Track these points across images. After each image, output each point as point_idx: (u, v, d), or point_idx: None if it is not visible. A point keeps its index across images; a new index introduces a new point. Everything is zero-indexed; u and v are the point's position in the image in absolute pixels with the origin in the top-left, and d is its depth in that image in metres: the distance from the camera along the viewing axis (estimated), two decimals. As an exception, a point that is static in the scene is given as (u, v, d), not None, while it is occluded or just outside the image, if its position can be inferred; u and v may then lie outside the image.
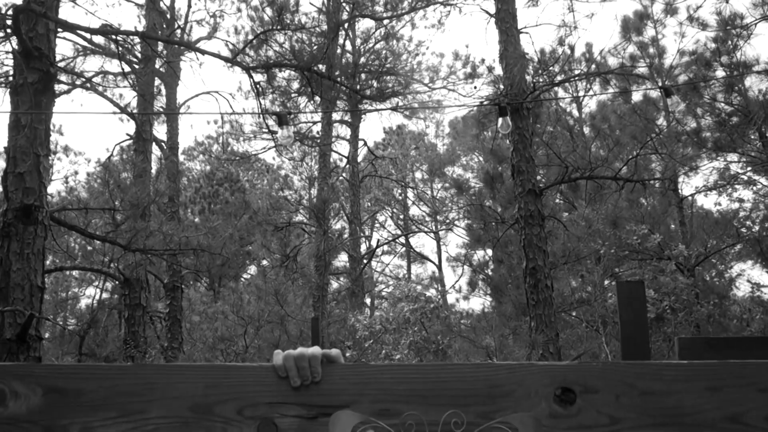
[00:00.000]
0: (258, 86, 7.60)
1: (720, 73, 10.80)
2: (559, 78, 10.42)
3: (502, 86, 9.66)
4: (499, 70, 10.01)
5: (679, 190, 14.59)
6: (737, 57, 10.30)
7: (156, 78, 14.46)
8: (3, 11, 7.20)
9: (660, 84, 10.68)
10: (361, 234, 21.73)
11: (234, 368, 1.32)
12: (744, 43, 10.30)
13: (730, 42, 10.38)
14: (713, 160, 13.38)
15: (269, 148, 18.91)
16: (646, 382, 1.28)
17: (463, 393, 1.29)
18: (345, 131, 19.39)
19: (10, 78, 7.24)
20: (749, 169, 13.35)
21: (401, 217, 27.24)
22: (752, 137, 11.53)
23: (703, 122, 11.80)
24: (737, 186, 14.96)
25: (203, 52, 8.06)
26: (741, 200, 15.77)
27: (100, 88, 14.02)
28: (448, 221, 26.02)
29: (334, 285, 22.67)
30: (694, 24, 11.94)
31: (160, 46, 13.51)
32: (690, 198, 15.34)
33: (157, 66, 14.11)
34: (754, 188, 14.81)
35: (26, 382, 1.28)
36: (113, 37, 8.44)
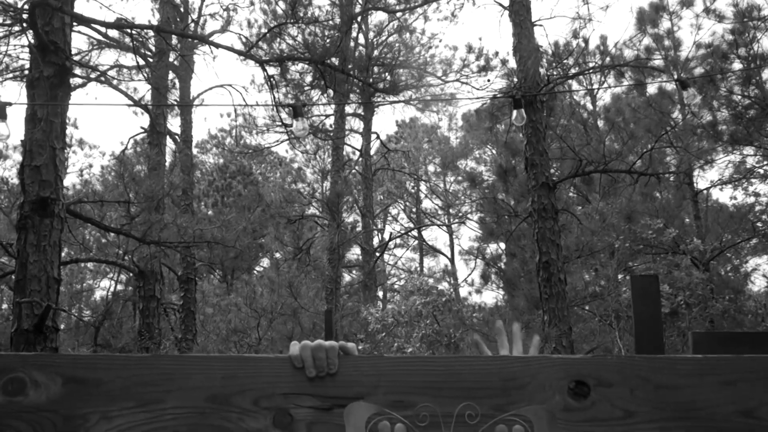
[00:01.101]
0: (271, 79, 7.62)
1: (737, 65, 10.69)
2: (573, 71, 10.36)
3: (515, 79, 9.62)
4: (512, 63, 9.97)
5: (694, 184, 14.49)
6: (755, 49, 10.19)
7: (170, 71, 14.53)
8: (20, 5, 7.26)
9: (675, 76, 10.59)
10: (374, 227, 21.76)
11: (251, 359, 1.33)
12: (762, 35, 10.19)
13: (747, 34, 10.26)
14: (729, 153, 13.27)
15: (282, 141, 18.95)
16: (661, 376, 1.29)
17: (476, 385, 1.30)
18: (358, 124, 19.41)
19: (27, 72, 7.31)
20: (765, 162, 13.22)
21: (414, 210, 27.23)
22: (769, 130, 11.40)
23: (719, 115, 11.70)
24: (753, 180, 14.83)
25: (217, 46, 8.08)
26: (757, 194, 15.62)
27: (115, 82, 14.11)
28: (460, 214, 26.00)
29: (347, 278, 22.73)
30: (711, 16, 11.82)
31: (174, 40, 13.57)
32: (705, 192, 15.23)
33: (171, 59, 14.17)
34: (771, 182, 14.66)
35: (46, 372, 1.30)
36: (128, 30, 8.48)
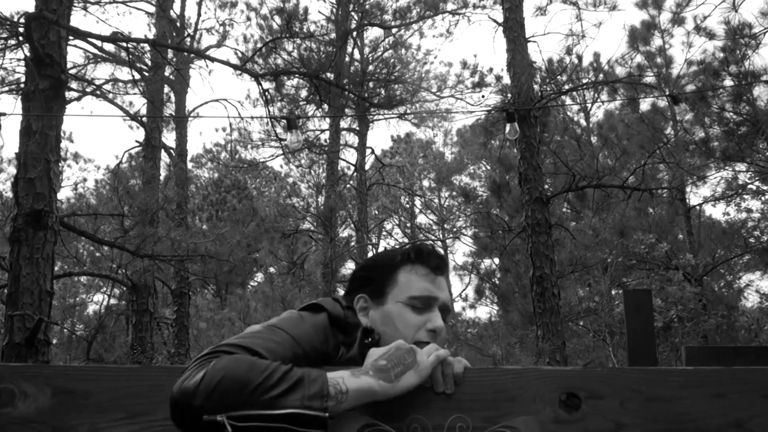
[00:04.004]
0: (267, 93, 7.65)
1: (728, 82, 10.78)
2: (566, 87, 10.42)
3: (509, 95, 9.68)
4: (507, 79, 10.04)
5: (687, 200, 14.56)
6: (745, 66, 10.28)
7: (165, 85, 14.56)
8: (16, 19, 7.28)
9: (667, 92, 10.67)
10: (368, 242, 21.74)
11: (241, 370, 1.33)
12: (752, 52, 10.29)
13: (738, 51, 10.37)
14: (721, 169, 13.34)
15: (277, 156, 18.98)
16: (652, 388, 1.29)
17: (468, 397, 1.30)
18: (353, 139, 19.43)
19: (22, 85, 7.32)
20: (757, 179, 13.30)
21: (408, 225, 27.24)
22: (761, 146, 11.49)
23: (711, 132, 11.77)
24: (745, 196, 14.92)
25: (213, 60, 8.12)
26: (749, 210, 15.72)
27: (110, 96, 14.13)
28: (455, 229, 26.04)
29: (341, 292, 22.64)
30: (702, 34, 11.94)
31: (170, 54, 13.61)
32: (698, 208, 15.30)
33: (166, 74, 14.20)
34: (763, 198, 14.76)
35: (36, 383, 1.29)
36: (124, 44, 8.52)
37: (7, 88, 11.16)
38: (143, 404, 1.29)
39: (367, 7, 15.69)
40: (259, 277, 23.39)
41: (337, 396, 1.18)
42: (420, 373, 1.27)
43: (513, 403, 1.28)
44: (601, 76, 11.60)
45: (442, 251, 1.57)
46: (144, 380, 1.31)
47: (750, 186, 14.12)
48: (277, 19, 14.59)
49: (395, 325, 1.44)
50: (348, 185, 19.22)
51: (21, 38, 7.12)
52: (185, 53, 13.47)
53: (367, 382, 1.22)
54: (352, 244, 19.44)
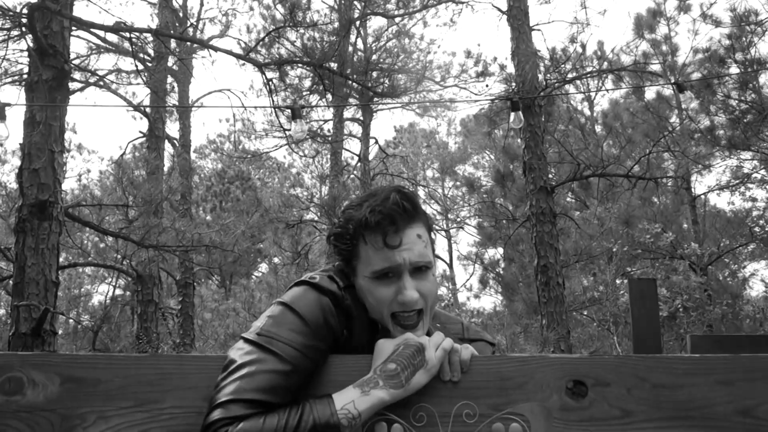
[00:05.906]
0: (270, 83, 7.63)
1: (734, 70, 10.71)
2: (570, 76, 10.37)
3: (513, 84, 9.64)
4: (510, 68, 9.98)
5: (692, 189, 14.51)
6: (752, 54, 10.21)
7: (168, 76, 14.54)
8: (19, 9, 7.27)
9: (672, 80, 10.60)
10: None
11: (248, 359, 1.33)
12: (758, 40, 10.22)
13: (744, 39, 10.29)
14: (726, 158, 13.29)
15: (281, 146, 18.98)
16: (658, 376, 1.29)
17: (474, 385, 1.30)
18: (356, 129, 19.40)
19: (25, 75, 7.31)
20: (762, 168, 13.24)
21: (412, 215, 27.19)
22: (766, 134, 11.42)
23: (716, 120, 11.71)
24: (750, 185, 14.86)
25: (216, 49, 8.08)
26: (754, 199, 15.67)
27: (114, 86, 14.11)
28: (459, 219, 26.02)
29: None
30: (708, 21, 11.87)
31: (173, 44, 13.57)
32: (703, 197, 15.25)
33: (169, 64, 14.18)
34: (768, 187, 14.70)
35: (44, 371, 1.30)
36: (127, 34, 8.48)
37: (10, 79, 11.13)
38: (151, 392, 1.29)
39: (370, -4, 15.62)
40: (264, 267, 23.44)
41: (350, 424, 1.21)
42: (430, 372, 1.28)
43: (520, 390, 1.29)
44: (605, 64, 11.53)
45: (401, 196, 1.42)
46: (152, 368, 1.31)
47: (755, 175, 14.06)
48: (280, 8, 14.54)
49: (369, 300, 1.39)
50: (352, 175, 19.20)
51: (24, 28, 7.11)
52: (188, 43, 13.43)
53: (377, 397, 1.24)
54: (356, 234, 19.40)
